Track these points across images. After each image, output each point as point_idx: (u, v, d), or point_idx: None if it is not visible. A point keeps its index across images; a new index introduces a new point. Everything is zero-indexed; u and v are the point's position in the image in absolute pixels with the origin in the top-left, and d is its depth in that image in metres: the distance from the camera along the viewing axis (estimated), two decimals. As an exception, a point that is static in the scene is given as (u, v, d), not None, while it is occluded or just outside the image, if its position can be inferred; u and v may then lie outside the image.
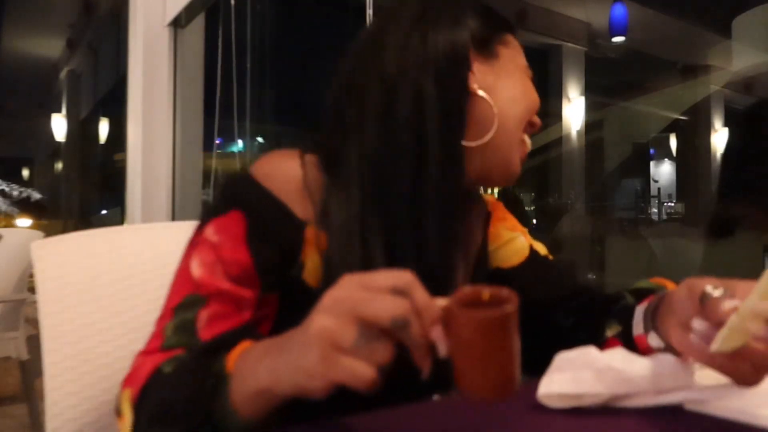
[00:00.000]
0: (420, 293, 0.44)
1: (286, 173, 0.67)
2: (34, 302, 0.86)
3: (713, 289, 0.53)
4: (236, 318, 0.63)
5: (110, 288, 0.87)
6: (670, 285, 0.73)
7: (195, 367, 0.55)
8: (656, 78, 7.81)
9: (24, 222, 8.54)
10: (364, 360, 0.42)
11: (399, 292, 0.44)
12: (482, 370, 0.44)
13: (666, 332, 0.59)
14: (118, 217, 7.75)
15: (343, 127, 0.69)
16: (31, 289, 2.48)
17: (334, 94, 0.72)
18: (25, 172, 14.11)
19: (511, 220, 0.88)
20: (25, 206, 9.19)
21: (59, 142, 11.51)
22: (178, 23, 2.26)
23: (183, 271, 0.65)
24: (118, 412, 0.60)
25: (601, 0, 6.56)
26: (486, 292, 0.45)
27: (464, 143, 0.68)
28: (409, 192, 0.65)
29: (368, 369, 0.42)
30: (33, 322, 1.40)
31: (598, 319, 0.72)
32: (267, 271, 0.64)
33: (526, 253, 0.85)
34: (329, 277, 0.61)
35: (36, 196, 9.73)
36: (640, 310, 0.66)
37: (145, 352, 0.62)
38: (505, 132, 0.70)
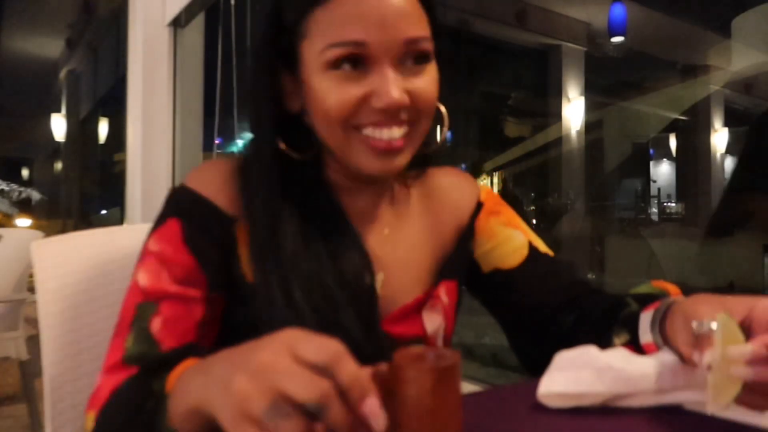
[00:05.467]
0: (346, 369, 0.41)
1: (213, 174, 0.70)
2: (34, 302, 0.86)
3: (699, 326, 0.54)
4: (188, 319, 0.65)
5: (110, 288, 0.87)
6: (671, 288, 0.72)
7: (138, 389, 0.58)
8: (656, 78, 7.81)
9: (24, 222, 8.52)
10: None
11: (322, 369, 0.40)
12: (432, 428, 0.42)
13: (678, 350, 0.59)
14: (118, 217, 7.75)
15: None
16: (31, 289, 2.48)
17: None
18: (25, 172, 14.11)
19: (506, 214, 0.84)
20: (21, 206, 9.16)
21: (59, 142, 11.50)
22: (178, 23, 2.25)
23: (131, 285, 0.67)
24: None
25: (601, 0, 6.56)
26: (424, 350, 0.44)
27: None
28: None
29: None
30: (33, 322, 1.40)
31: (603, 326, 0.71)
32: (210, 267, 0.67)
33: (525, 251, 0.81)
34: (256, 270, 0.66)
35: (36, 196, 9.71)
36: (644, 318, 0.66)
37: (106, 370, 0.63)
38: (329, 132, 0.67)
